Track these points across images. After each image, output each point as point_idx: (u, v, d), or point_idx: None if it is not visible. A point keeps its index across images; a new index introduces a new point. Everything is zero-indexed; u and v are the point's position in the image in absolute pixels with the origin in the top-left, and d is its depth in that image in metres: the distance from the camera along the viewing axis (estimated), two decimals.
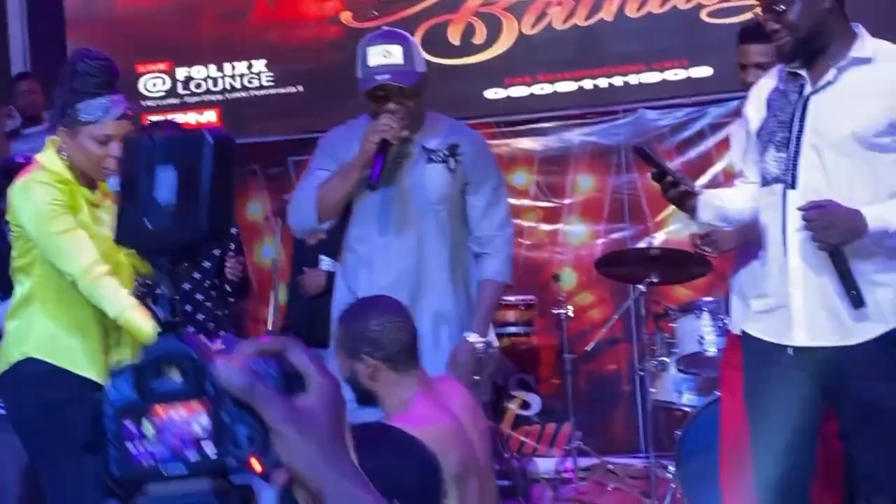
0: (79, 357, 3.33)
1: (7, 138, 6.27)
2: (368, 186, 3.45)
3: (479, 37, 6.42)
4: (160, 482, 1.00)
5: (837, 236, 2.90)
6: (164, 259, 1.05)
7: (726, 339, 4.06)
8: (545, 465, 6.08)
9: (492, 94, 6.41)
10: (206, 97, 6.80)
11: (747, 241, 3.47)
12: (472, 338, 3.60)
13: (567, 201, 6.47)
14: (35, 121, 6.40)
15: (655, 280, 5.03)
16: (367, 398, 2.94)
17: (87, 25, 6.94)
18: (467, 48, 6.43)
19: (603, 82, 6.23)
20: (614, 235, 6.29)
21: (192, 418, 1.00)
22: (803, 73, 3.06)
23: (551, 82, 6.31)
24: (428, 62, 6.51)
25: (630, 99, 6.21)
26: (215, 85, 6.80)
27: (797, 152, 3.02)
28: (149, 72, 6.80)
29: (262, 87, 6.77)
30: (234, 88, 6.78)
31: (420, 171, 3.55)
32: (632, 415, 6.11)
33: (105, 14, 6.96)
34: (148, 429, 1.00)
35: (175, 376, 1.01)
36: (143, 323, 3.23)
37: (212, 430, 1.00)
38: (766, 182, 3.11)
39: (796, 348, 3.02)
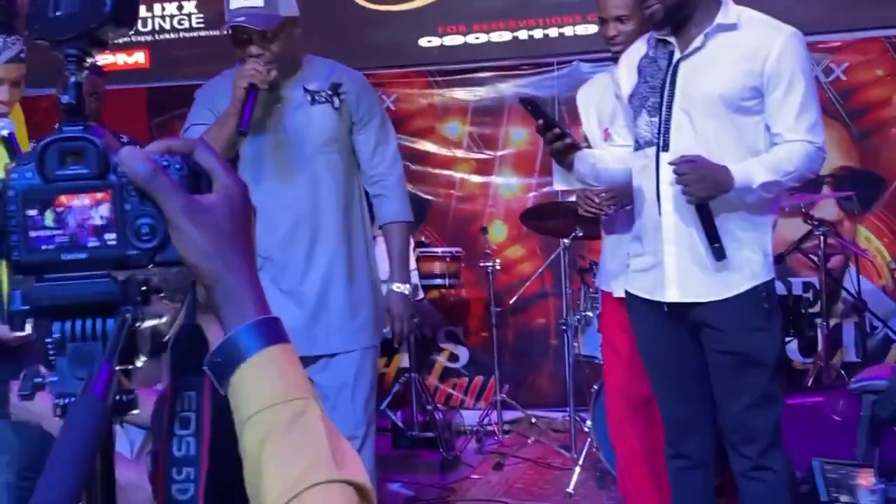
0: None
1: None
2: (238, 132, 3.37)
3: None
4: (60, 269, 1.00)
5: (706, 189, 3.02)
6: (72, 48, 1.02)
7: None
8: (471, 417, 6.09)
9: (426, 42, 6.32)
10: (135, 37, 6.65)
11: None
12: (399, 287, 3.58)
13: (500, 153, 6.42)
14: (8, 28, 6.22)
15: (581, 234, 4.99)
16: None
17: None
18: None
19: (538, 33, 6.16)
20: (546, 189, 6.24)
21: (94, 207, 1.00)
22: (672, 40, 3.18)
23: (486, 32, 6.24)
24: (362, 8, 6.49)
25: (565, 51, 6.15)
26: (144, 25, 6.65)
27: (668, 116, 3.14)
28: None
29: (192, 28, 6.63)
30: (163, 29, 6.65)
31: (305, 113, 3.48)
32: (559, 369, 6.10)
33: None
34: (49, 215, 1.00)
35: (78, 164, 1.00)
36: None
37: (113, 219, 1.00)
38: (638, 146, 3.24)
39: (670, 304, 3.17)
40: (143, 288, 1.03)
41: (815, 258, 5.10)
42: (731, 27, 3.14)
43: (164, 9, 6.60)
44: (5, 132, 3.18)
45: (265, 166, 3.48)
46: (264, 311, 1.02)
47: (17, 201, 1.00)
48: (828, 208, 5.76)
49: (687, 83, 3.14)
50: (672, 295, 3.16)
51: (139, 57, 6.65)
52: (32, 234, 1.00)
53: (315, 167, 3.49)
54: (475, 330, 6.49)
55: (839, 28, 5.71)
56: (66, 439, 0.89)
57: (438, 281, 5.85)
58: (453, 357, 6.53)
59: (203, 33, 6.57)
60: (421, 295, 5.75)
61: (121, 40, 6.64)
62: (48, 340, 1.01)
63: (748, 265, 3.13)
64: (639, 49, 3.33)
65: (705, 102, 3.11)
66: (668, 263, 3.16)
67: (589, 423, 4.74)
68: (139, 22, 6.62)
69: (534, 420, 5.94)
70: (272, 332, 1.01)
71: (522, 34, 6.19)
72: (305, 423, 0.98)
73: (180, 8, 6.60)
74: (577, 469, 4.73)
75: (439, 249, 5.92)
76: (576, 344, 5.13)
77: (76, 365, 1.01)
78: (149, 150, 1.02)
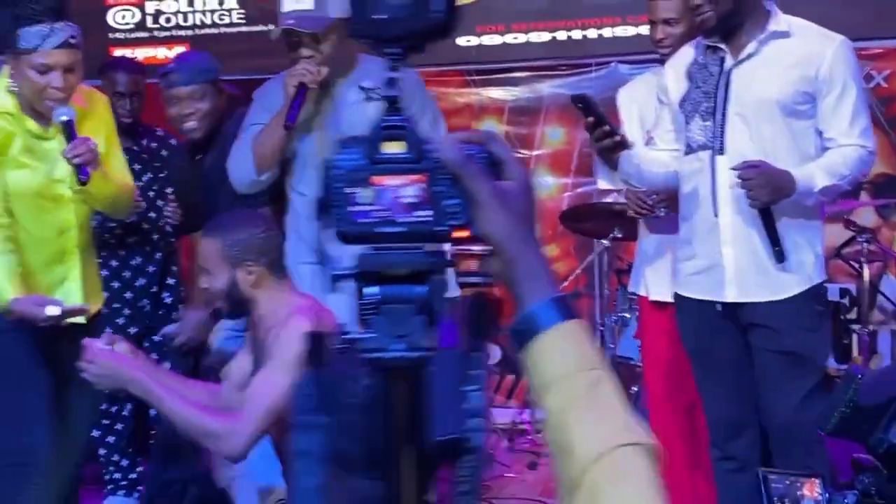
0: (7, 292, 3.26)
1: None
2: (284, 127, 3.42)
3: None
4: (376, 240, 1.15)
5: (770, 193, 3.10)
6: (393, 48, 1.19)
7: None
8: (502, 415, 6.11)
9: (464, 41, 6.34)
10: (176, 32, 6.69)
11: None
12: None
13: (536, 153, 6.44)
14: None
15: (619, 235, 5.01)
16: (239, 309, 3.01)
17: None
18: None
19: (577, 34, 6.17)
20: (581, 189, 6.26)
21: (409, 186, 1.14)
22: (723, 46, 3.25)
23: (525, 32, 6.25)
24: None
25: (603, 52, 6.16)
26: (185, 20, 6.69)
27: (724, 120, 3.22)
28: (118, 4, 6.69)
29: (232, 24, 6.67)
30: (203, 24, 6.68)
31: (360, 111, 3.52)
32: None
33: None
34: (370, 193, 1.14)
35: (399, 148, 1.15)
36: (4, 287, 3.20)
37: (426, 198, 1.14)
38: (691, 150, 3.30)
39: (724, 304, 3.25)
40: (450, 260, 1.18)
41: (856, 265, 5.11)
42: (784, 34, 3.23)
43: (205, 3, 6.63)
44: (64, 118, 3.22)
45: (320, 163, 3.52)
46: (556, 289, 1.17)
47: (342, 179, 1.14)
48: (866, 215, 5.76)
49: (741, 88, 3.22)
50: (731, 295, 3.24)
51: (180, 51, 6.69)
52: (354, 208, 1.14)
53: None
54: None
55: (880, 35, 5.71)
56: (441, 380, 1.09)
57: (473, 279, 5.85)
58: None
59: (243, 29, 6.60)
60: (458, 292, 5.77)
61: (162, 34, 6.70)
62: (367, 301, 1.16)
63: (803, 267, 3.22)
64: (685, 55, 3.40)
65: (761, 107, 3.19)
66: (726, 265, 3.24)
67: None
68: (180, 16, 6.67)
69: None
70: (568, 308, 1.15)
71: (561, 35, 6.21)
72: (604, 391, 1.12)
73: (221, 3, 6.64)
74: None
75: (475, 247, 5.93)
76: (612, 345, 5.15)
77: (390, 325, 1.15)
78: (452, 137, 1.17)
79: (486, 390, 1.16)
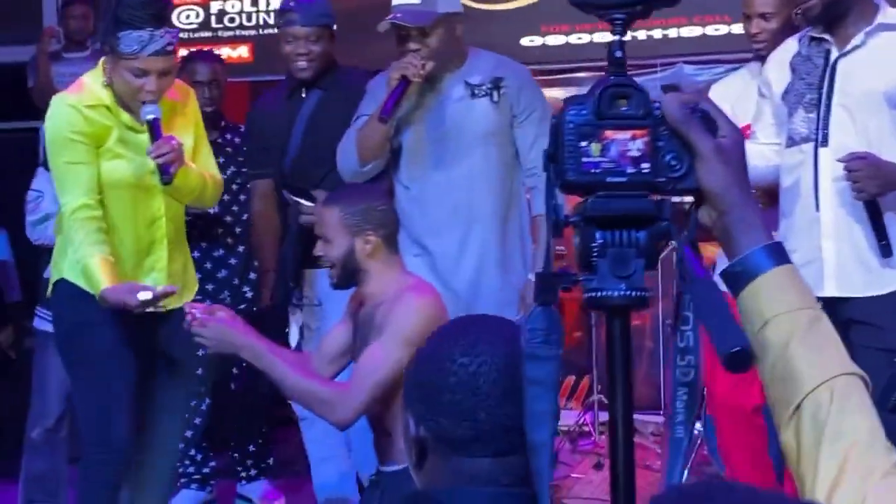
0: (100, 282, 3.29)
1: (48, 60, 6.20)
2: (379, 119, 3.43)
3: None
4: (603, 188, 1.24)
5: (878, 186, 3.07)
6: (619, 14, 1.30)
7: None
8: (565, 417, 6.09)
9: (527, 41, 6.33)
10: (239, 32, 6.73)
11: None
12: None
13: None
14: (79, 45, 6.33)
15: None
16: (349, 280, 3.04)
17: None
18: None
19: (642, 34, 6.15)
20: None
21: (634, 140, 1.24)
22: (829, 38, 3.22)
23: (589, 32, 6.24)
24: (465, 6, 6.49)
25: (669, 52, 6.13)
26: (249, 20, 6.72)
27: (828, 112, 3.18)
28: (183, 3, 6.73)
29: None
30: (267, 24, 6.71)
31: (465, 107, 3.56)
32: (652, 371, 6.09)
33: None
34: (597, 145, 1.24)
35: (625, 106, 1.24)
36: (96, 277, 3.23)
37: (649, 151, 1.24)
38: (793, 142, 3.27)
39: (823, 299, 3.14)
40: (671, 207, 1.27)
41: None
42: (893, 27, 3.19)
43: (269, 3, 6.66)
44: (150, 116, 3.27)
45: (423, 157, 3.53)
46: (770, 237, 1.24)
47: (573, 133, 1.24)
48: None
49: (847, 80, 3.19)
50: (830, 289, 3.18)
51: (243, 51, 6.73)
52: (584, 159, 1.24)
53: (473, 159, 3.55)
54: (568, 329, 6.50)
55: None
56: (714, 304, 1.19)
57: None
58: None
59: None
60: None
61: (226, 34, 6.73)
62: (593, 245, 1.26)
63: None
64: (789, 48, 3.36)
65: (866, 99, 3.17)
66: (826, 259, 3.19)
67: (698, 426, 4.72)
68: (244, 16, 6.71)
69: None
70: (783, 253, 1.24)
71: (625, 35, 6.17)
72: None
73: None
74: (685, 472, 4.70)
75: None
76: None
77: (615, 266, 1.25)
78: (676, 97, 1.25)
79: (696, 330, 1.27)
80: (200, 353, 3.47)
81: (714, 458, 4.61)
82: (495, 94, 3.56)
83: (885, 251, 3.12)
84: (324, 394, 2.85)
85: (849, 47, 3.20)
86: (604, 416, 5.95)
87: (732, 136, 1.26)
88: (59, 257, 3.48)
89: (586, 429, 5.93)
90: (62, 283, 3.44)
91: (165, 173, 3.24)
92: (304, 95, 4.22)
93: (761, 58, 3.71)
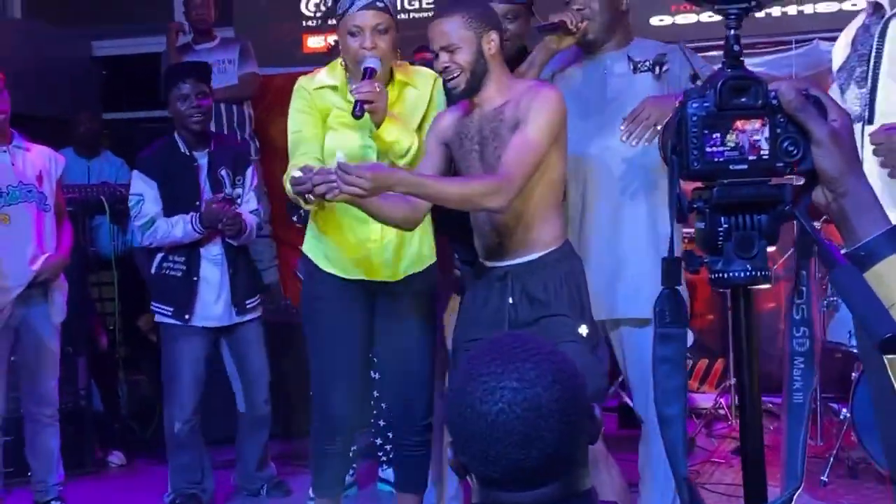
0: (331, 257, 3.57)
1: (178, 53, 6.32)
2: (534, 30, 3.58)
3: None
4: (726, 175, 1.33)
5: None
6: (734, 8, 1.38)
7: None
8: (696, 400, 6.02)
9: (657, 21, 6.26)
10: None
11: None
12: None
13: None
14: (206, 35, 6.43)
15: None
16: (477, 84, 3.18)
17: None
18: None
19: (776, 11, 6.03)
20: None
21: (754, 128, 1.32)
22: (884, 1, 2.95)
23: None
24: None
25: (804, 29, 5.99)
26: None
27: (875, 85, 2.92)
28: None
29: (422, 9, 6.73)
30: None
31: (628, 81, 3.53)
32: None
33: None
34: (720, 135, 1.32)
35: (745, 96, 1.32)
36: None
37: (768, 138, 1.32)
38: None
39: None
40: (791, 191, 1.34)
41: None
42: None
43: None
44: (368, 65, 3.35)
45: (584, 129, 3.51)
46: (888, 220, 1.29)
47: (697, 125, 1.32)
48: None
49: (894, 45, 2.88)
50: None
51: None
52: (708, 149, 1.32)
53: (611, 142, 3.52)
54: (700, 312, 6.41)
55: None
56: (861, 291, 1.25)
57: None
58: None
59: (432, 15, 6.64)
60: None
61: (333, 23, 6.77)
62: (719, 230, 1.35)
63: None
64: (857, 21, 3.13)
65: None
66: None
67: (844, 412, 4.60)
68: None
69: (770, 406, 5.82)
70: None
71: (759, 12, 6.05)
72: None
73: None
74: (831, 459, 4.59)
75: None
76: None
77: (740, 248, 1.34)
78: (791, 86, 1.31)
79: (809, 304, 1.37)
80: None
81: (866, 442, 4.43)
82: (657, 69, 3.54)
83: None
84: (485, 185, 3.02)
85: None
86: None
87: (843, 121, 1.31)
88: (306, 238, 3.71)
89: (722, 412, 5.84)
90: (304, 258, 3.69)
91: (357, 108, 3.28)
92: None
93: None
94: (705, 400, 5.92)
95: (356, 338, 3.61)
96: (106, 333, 5.67)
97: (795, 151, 1.30)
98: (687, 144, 1.32)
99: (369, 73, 3.30)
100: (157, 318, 4.59)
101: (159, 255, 4.55)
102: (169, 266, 4.53)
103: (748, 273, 1.35)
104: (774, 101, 1.31)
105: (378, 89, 3.29)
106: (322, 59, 4.62)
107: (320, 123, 3.51)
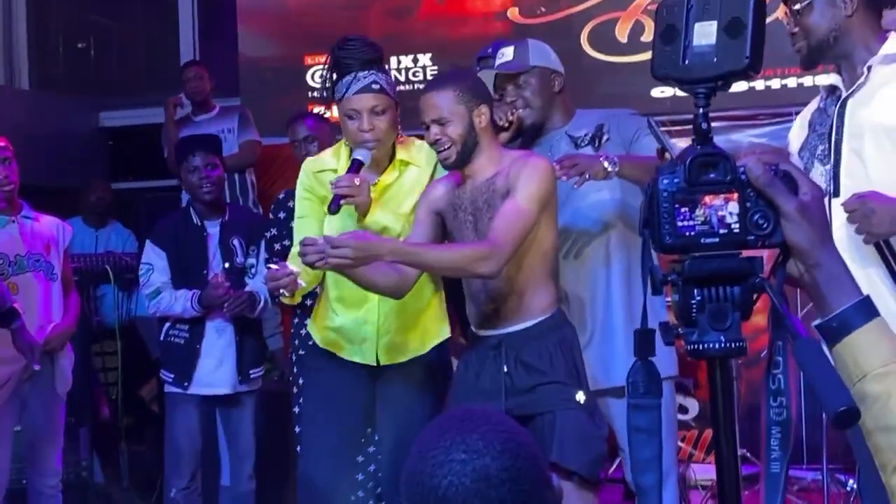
0: (330, 339, 3.60)
1: (177, 126, 6.39)
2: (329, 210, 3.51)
3: (648, 34, 6.31)
4: (698, 249, 1.36)
5: (881, 224, 2.78)
6: (703, 88, 1.40)
7: None
8: (701, 471, 5.97)
9: (658, 92, 6.31)
10: None
11: None
12: None
13: None
14: (204, 106, 6.51)
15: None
16: (466, 157, 3.24)
17: (257, 16, 7.08)
18: (635, 46, 6.35)
19: (776, 83, 6.09)
20: None
21: (724, 203, 1.35)
22: (839, 83, 3.04)
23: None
24: (595, 59, 6.52)
25: (803, 101, 5.97)
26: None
27: (838, 160, 2.97)
28: (317, 63, 6.87)
29: (426, 80, 6.79)
30: (398, 81, 6.80)
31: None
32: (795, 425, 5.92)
33: (276, 6, 7.07)
34: (690, 210, 1.35)
35: (714, 172, 1.35)
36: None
37: (738, 212, 1.35)
38: None
39: None
40: (763, 264, 1.37)
41: None
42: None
43: (399, 61, 6.78)
44: (357, 157, 3.37)
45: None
46: (860, 291, 1.32)
47: (668, 199, 1.36)
48: None
49: (853, 121, 2.96)
50: None
51: None
52: (679, 223, 1.36)
53: (581, 205, 3.53)
54: (705, 383, 6.37)
55: None
56: (818, 364, 1.26)
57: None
58: (683, 409, 6.42)
59: None
60: None
61: None
62: (692, 302, 1.37)
63: None
64: (812, 104, 3.22)
65: (873, 136, 2.92)
66: None
67: (852, 482, 4.57)
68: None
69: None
70: (872, 308, 1.31)
71: (759, 84, 6.12)
72: None
73: (415, 61, 6.78)
74: None
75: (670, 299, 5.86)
76: None
77: (713, 320, 1.36)
78: (758, 161, 1.34)
79: (787, 374, 1.38)
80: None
81: None
82: (596, 141, 3.56)
83: None
84: (476, 252, 3.06)
85: (854, 86, 2.97)
86: (746, 471, 5.84)
87: (813, 194, 1.34)
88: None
89: None
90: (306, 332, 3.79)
91: (333, 203, 3.30)
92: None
93: None
94: (711, 471, 5.87)
95: (351, 416, 3.60)
96: (108, 403, 5.67)
97: (766, 225, 1.33)
98: (659, 219, 1.36)
99: (355, 167, 3.31)
100: (165, 386, 4.61)
101: (167, 324, 4.59)
102: (174, 334, 4.57)
103: (722, 344, 1.37)
104: (743, 177, 1.34)
105: (358, 183, 3.29)
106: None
107: (320, 208, 3.53)
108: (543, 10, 6.51)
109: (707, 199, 1.35)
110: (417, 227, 3.35)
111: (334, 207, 3.27)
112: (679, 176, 1.36)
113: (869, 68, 2.97)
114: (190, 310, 4.46)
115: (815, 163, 3.05)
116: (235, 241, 4.61)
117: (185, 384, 4.51)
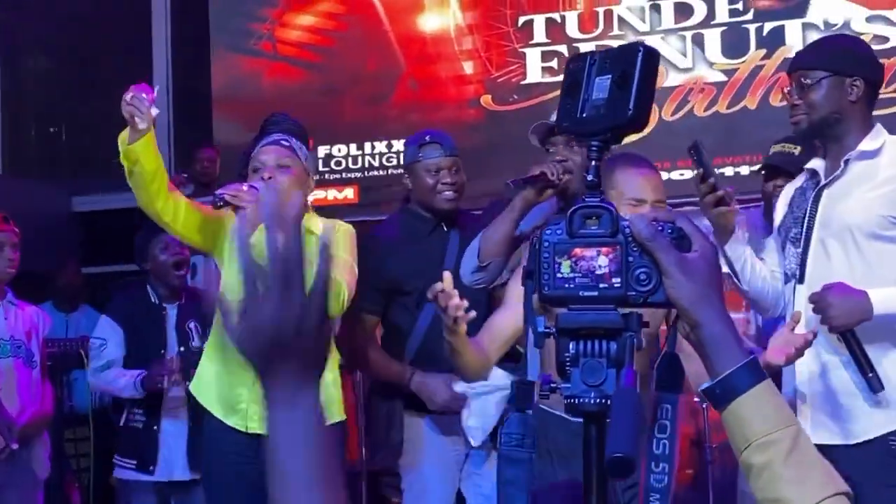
0: (214, 400, 3.47)
1: None
2: (505, 184, 3.51)
3: None
4: (577, 302, 1.33)
5: (840, 317, 2.82)
6: (595, 140, 1.37)
7: None
8: None
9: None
10: (346, 174, 6.91)
11: None
12: None
13: None
14: (206, 188, 6.53)
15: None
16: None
17: (232, 103, 7.13)
18: None
19: (745, 170, 6.19)
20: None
21: (605, 258, 1.32)
22: (819, 168, 3.08)
23: (692, 168, 6.25)
24: None
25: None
26: (354, 163, 6.91)
27: (807, 248, 3.03)
28: None
29: (400, 165, 6.84)
30: (372, 167, 6.89)
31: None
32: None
33: (251, 92, 7.13)
34: (569, 262, 1.33)
35: (595, 224, 1.33)
36: None
37: (619, 268, 1.32)
38: (787, 279, 3.12)
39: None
40: (644, 320, 1.34)
41: None
42: (872, 154, 3.02)
43: (373, 147, 6.85)
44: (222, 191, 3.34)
45: None
46: (746, 353, 1.28)
47: (549, 250, 1.34)
48: None
49: (825, 213, 3.02)
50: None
51: (348, 192, 6.90)
52: (558, 275, 1.33)
53: None
54: (680, 467, 6.38)
55: None
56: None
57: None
58: None
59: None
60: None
61: (332, 177, 6.91)
62: (566, 355, 1.34)
63: (891, 403, 2.90)
64: (797, 181, 3.24)
65: (837, 231, 2.99)
66: (799, 405, 3.01)
67: None
68: (350, 159, 6.89)
69: None
70: (759, 370, 1.28)
71: (728, 171, 6.23)
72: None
73: (389, 146, 6.84)
74: None
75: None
76: None
77: (587, 375, 1.33)
78: (643, 216, 1.32)
79: (673, 440, 1.37)
80: None
81: None
82: None
83: (874, 385, 2.84)
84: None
85: (831, 177, 3.03)
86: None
87: (704, 251, 1.31)
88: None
89: None
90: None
91: (218, 197, 3.30)
92: (445, 230, 4.09)
93: None
94: None
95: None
96: (80, 490, 5.59)
97: (647, 282, 1.31)
98: (539, 269, 1.34)
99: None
100: (117, 472, 4.52)
101: (125, 410, 4.52)
102: (131, 418, 4.50)
103: (597, 401, 1.32)
104: (627, 231, 1.32)
105: (245, 189, 3.30)
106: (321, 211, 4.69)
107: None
108: (516, 97, 6.60)
109: (586, 251, 1.32)
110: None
111: (217, 202, 3.28)
112: (562, 227, 1.34)
113: (846, 162, 3.02)
114: (132, 392, 4.39)
115: (788, 244, 3.10)
116: (192, 324, 4.58)
117: (151, 468, 4.43)
